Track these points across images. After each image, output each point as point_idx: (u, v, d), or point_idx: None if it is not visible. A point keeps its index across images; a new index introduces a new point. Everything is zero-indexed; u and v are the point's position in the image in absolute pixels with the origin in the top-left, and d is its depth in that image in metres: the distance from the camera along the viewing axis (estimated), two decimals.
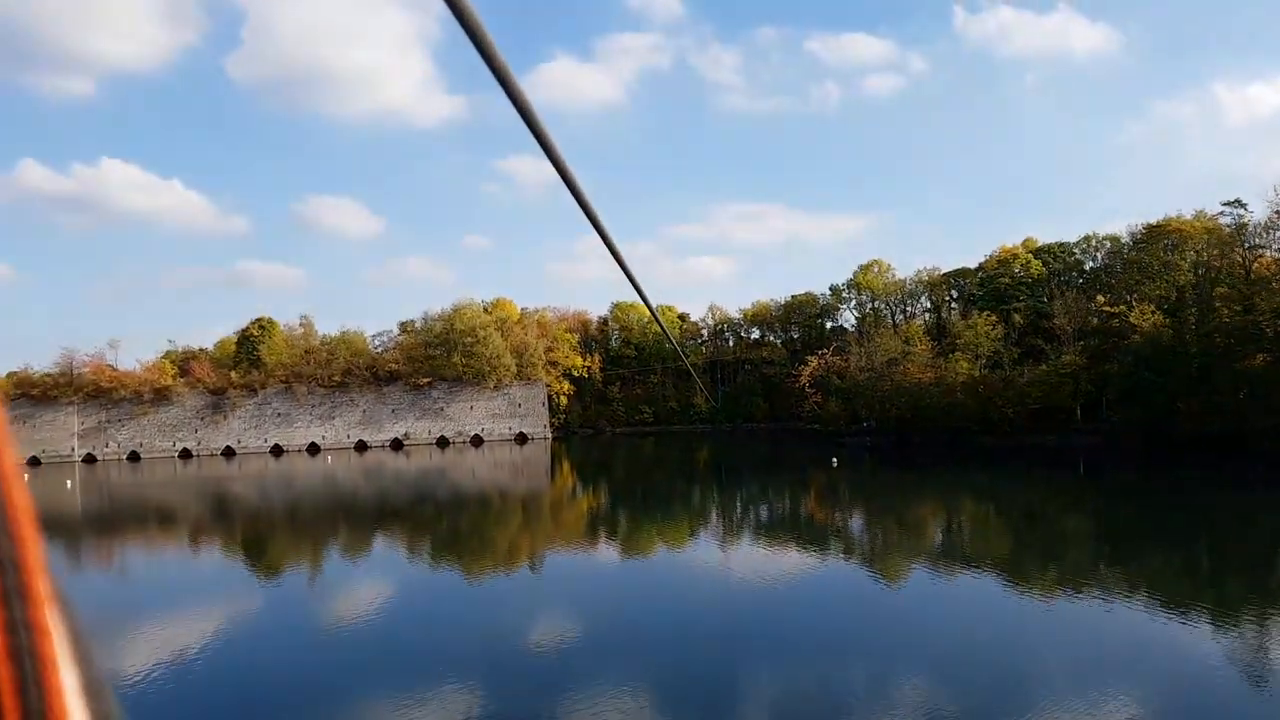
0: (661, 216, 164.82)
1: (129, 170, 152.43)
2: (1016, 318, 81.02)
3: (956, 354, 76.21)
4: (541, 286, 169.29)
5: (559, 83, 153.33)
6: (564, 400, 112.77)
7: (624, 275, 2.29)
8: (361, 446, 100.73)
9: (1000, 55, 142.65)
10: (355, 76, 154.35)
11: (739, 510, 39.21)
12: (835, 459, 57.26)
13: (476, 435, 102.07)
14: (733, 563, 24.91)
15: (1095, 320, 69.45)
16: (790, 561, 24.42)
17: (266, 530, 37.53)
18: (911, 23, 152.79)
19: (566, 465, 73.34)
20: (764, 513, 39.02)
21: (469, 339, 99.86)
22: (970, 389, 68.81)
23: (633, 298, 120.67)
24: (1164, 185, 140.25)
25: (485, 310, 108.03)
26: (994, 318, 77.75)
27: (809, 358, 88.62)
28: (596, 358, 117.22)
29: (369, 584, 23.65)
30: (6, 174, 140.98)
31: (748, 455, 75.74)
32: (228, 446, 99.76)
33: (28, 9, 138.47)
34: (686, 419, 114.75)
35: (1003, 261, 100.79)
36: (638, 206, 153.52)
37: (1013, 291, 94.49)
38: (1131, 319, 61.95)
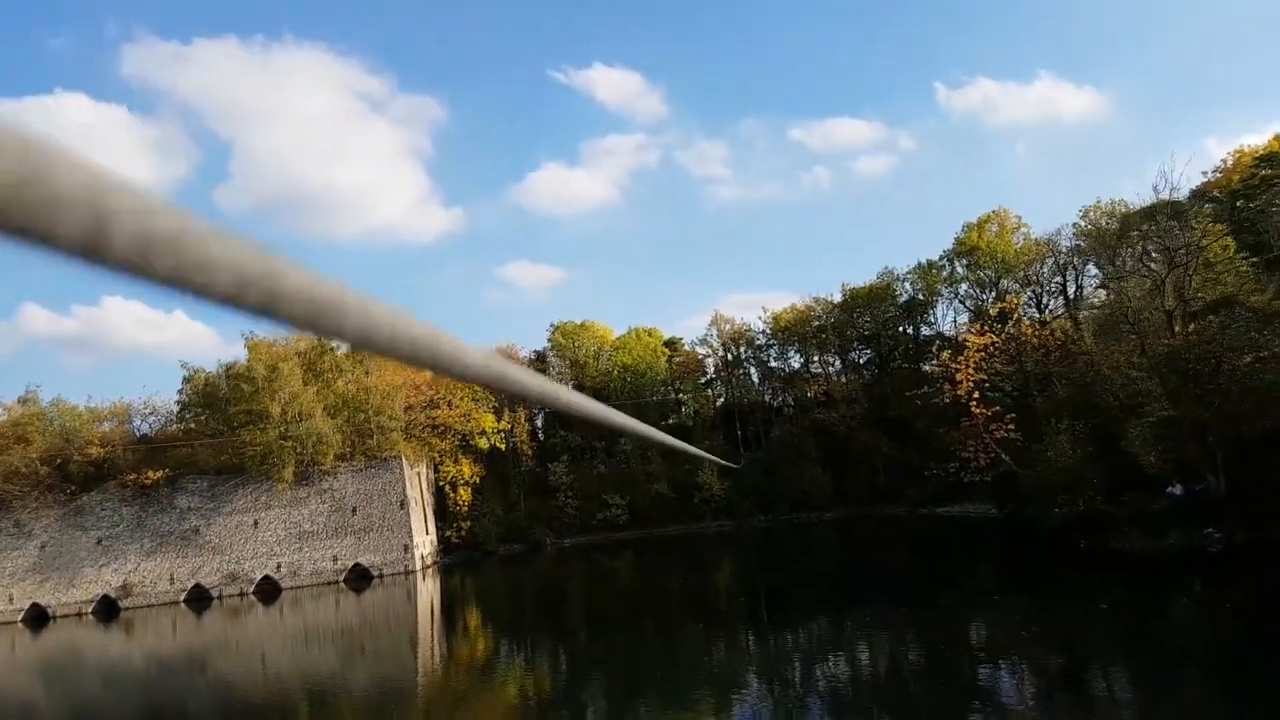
0: (667, 312, 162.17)
1: (131, 307, 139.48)
2: None
3: None
4: None
5: (551, 189, 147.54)
6: (464, 495, 62.59)
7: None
8: (39, 618, 50.79)
9: (988, 126, 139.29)
10: (351, 199, 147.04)
11: None
12: None
13: (267, 578, 51.65)
14: None
15: None
16: None
17: None
18: (894, 103, 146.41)
19: (451, 636, 34.48)
20: None
21: (246, 386, 50.81)
22: None
23: (584, 318, 73.50)
24: None
25: (321, 343, 59.19)
26: None
27: (968, 335, 38.69)
28: (523, 415, 67.49)
29: None
30: (8, 320, 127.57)
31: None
32: None
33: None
34: (689, 511, 64.37)
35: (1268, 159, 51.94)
36: (643, 304, 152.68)
37: None
38: None
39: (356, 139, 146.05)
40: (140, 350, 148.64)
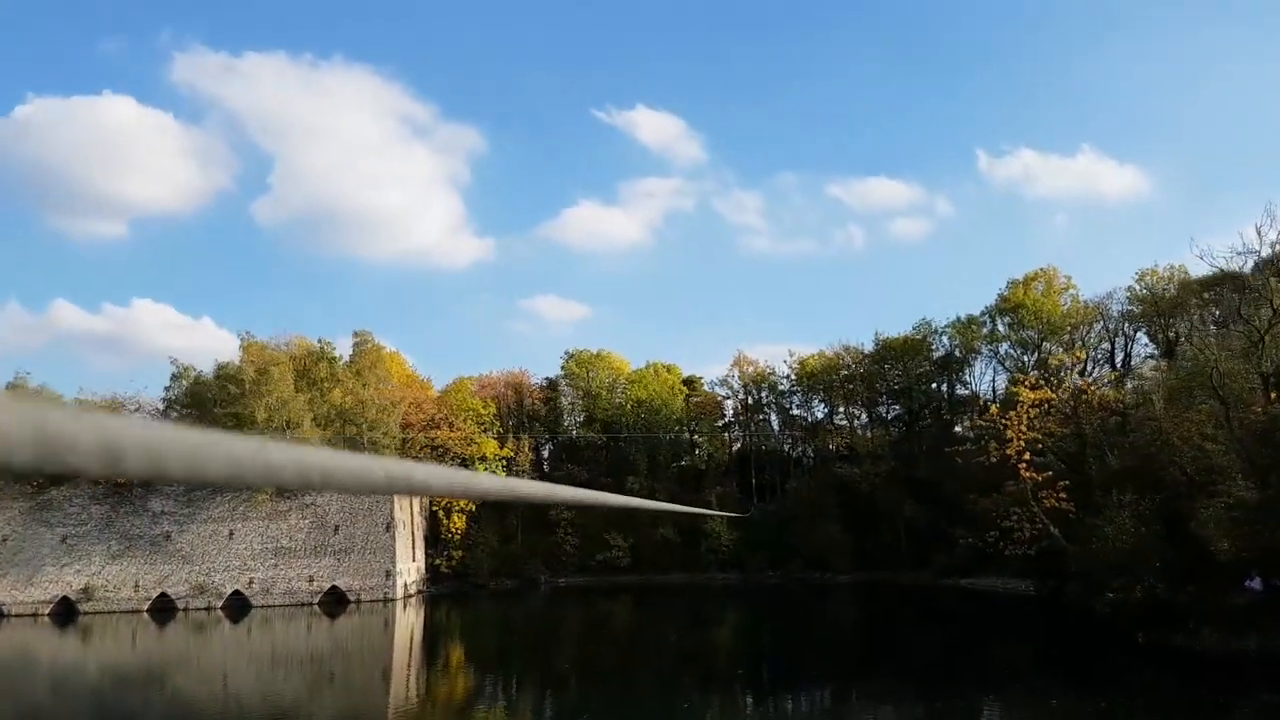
0: (690, 357, 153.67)
1: (160, 310, 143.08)
2: None
3: None
4: None
5: (585, 226, 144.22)
6: (458, 522, 59.23)
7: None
8: None
9: (1028, 196, 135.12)
10: (386, 221, 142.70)
11: None
12: None
13: (237, 593, 48.43)
14: None
15: None
16: None
17: None
18: (934, 166, 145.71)
19: (430, 671, 33.11)
20: None
21: (234, 388, 48.27)
22: None
23: (598, 346, 70.78)
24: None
25: (321, 350, 56.78)
26: None
27: (1019, 387, 35.01)
28: (527, 444, 64.19)
29: None
30: (39, 315, 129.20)
31: None
32: None
33: (66, 156, 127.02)
34: (695, 560, 60.68)
35: None
36: (665, 347, 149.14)
37: None
38: None
39: (397, 162, 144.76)
40: (172, 353, 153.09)
